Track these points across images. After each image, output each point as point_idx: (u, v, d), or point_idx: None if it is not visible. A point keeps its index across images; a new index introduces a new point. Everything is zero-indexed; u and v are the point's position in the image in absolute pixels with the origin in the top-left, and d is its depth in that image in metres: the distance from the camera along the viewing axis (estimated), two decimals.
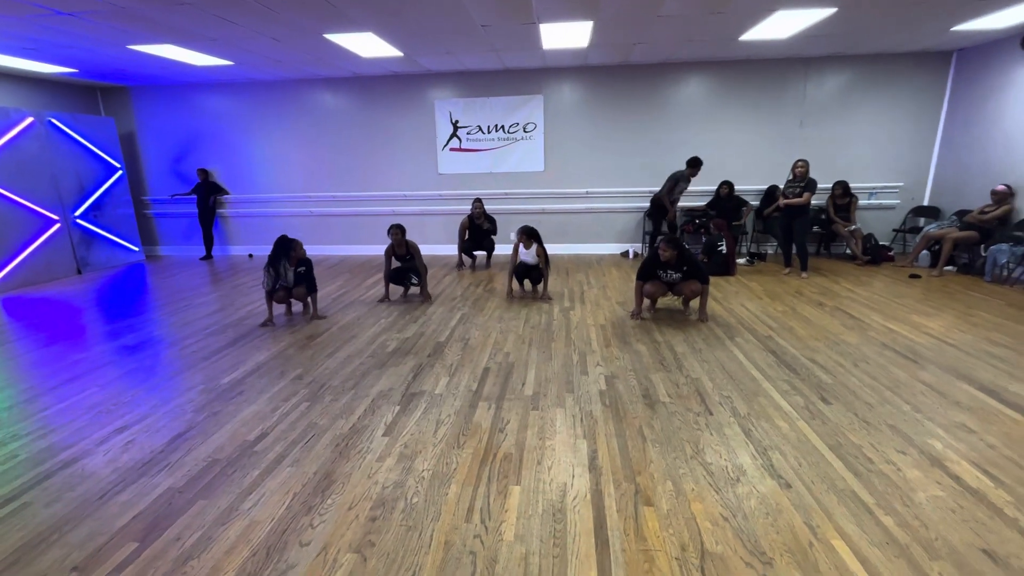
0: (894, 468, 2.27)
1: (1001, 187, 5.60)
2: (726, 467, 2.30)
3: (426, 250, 7.69)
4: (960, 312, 4.43)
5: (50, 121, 6.51)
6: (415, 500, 2.11)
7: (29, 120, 6.25)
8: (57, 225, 6.59)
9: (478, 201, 6.56)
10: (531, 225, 5.09)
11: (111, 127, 7.34)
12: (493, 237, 6.79)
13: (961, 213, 6.24)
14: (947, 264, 5.97)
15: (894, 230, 7.04)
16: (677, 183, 6.43)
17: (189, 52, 5.45)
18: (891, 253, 6.65)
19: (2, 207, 5.97)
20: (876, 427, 2.62)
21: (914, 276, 5.71)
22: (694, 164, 6.36)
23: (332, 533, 1.94)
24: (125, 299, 5.55)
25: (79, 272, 6.90)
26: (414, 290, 5.41)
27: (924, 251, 6.29)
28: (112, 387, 3.29)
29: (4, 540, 1.95)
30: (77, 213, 6.85)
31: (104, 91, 7.74)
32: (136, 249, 7.79)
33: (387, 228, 5.00)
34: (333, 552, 1.84)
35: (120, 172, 7.45)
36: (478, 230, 6.64)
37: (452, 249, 7.20)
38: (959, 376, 3.19)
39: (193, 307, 5.15)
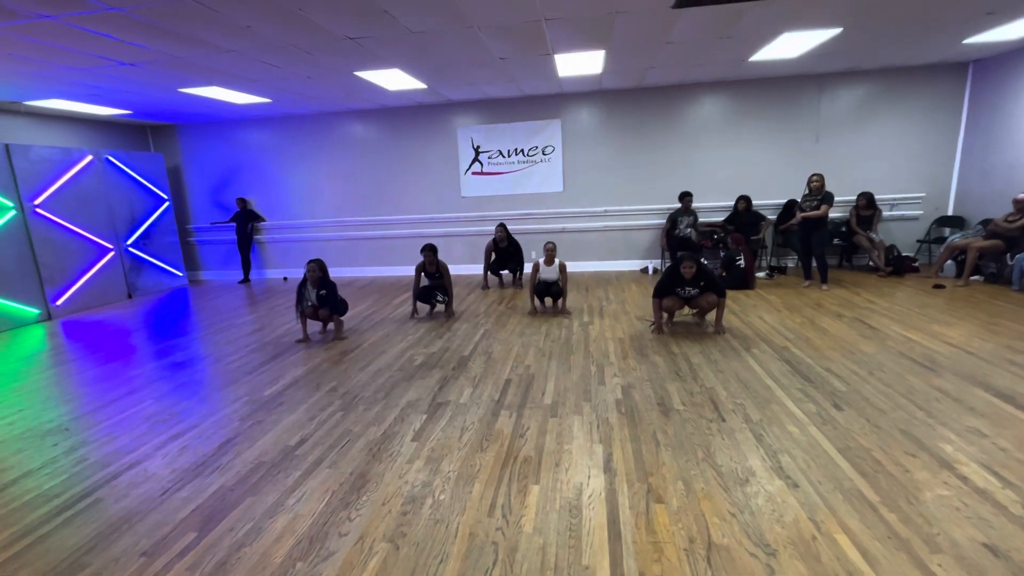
0: (902, 469, 2.35)
1: (1023, 195, 5.56)
2: (736, 469, 2.41)
3: (450, 270, 7.99)
4: (983, 321, 4.41)
5: (107, 158, 7.10)
6: (442, 497, 2.30)
7: (89, 158, 6.84)
8: (111, 253, 7.12)
9: (502, 226, 6.77)
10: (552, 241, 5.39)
11: (160, 162, 7.93)
12: (520, 261, 7.01)
13: (986, 222, 6.17)
14: (973, 274, 5.91)
15: (918, 240, 6.98)
16: (675, 222, 7.01)
17: (232, 92, 5.93)
18: (915, 264, 6.60)
19: (64, 238, 6.52)
20: (887, 432, 2.68)
21: (938, 286, 5.67)
22: (681, 198, 6.98)
23: (368, 525, 2.13)
24: (172, 321, 5.96)
25: (129, 296, 7.41)
26: (440, 307, 5.65)
27: (949, 261, 6.23)
28: (166, 399, 3.59)
29: (82, 530, 2.21)
30: (129, 242, 7.39)
31: (154, 129, 8.39)
32: (180, 274, 8.31)
33: (419, 248, 5.33)
34: (369, 541, 2.03)
35: (167, 203, 8.02)
36: (503, 253, 6.87)
37: (475, 268, 7.45)
38: (976, 383, 3.21)
39: (234, 327, 5.50)
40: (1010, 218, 5.65)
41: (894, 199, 6.95)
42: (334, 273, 8.39)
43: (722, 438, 2.70)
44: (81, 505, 2.39)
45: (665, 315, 4.70)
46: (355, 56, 4.67)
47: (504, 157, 7.63)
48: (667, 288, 4.45)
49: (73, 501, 2.43)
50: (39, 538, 2.18)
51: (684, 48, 5.03)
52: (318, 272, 4.72)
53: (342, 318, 5.00)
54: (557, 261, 5.27)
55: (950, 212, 6.91)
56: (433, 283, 5.47)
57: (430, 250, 5.28)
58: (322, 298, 4.79)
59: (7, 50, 4.00)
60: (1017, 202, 5.59)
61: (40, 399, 3.72)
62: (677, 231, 6.99)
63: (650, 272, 7.39)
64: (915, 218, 7.00)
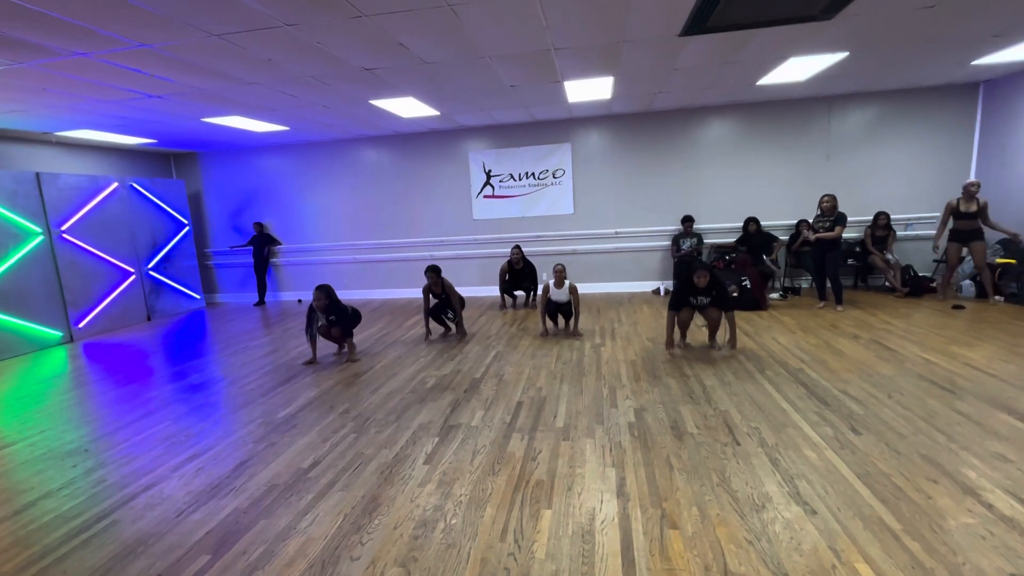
0: (924, 496, 2.29)
1: (972, 179, 5.78)
2: (752, 494, 2.37)
3: (463, 291, 8.02)
4: (1005, 343, 4.32)
5: (131, 185, 7.35)
6: (454, 521, 2.29)
7: (114, 185, 7.08)
8: (132, 277, 7.31)
9: (517, 248, 6.89)
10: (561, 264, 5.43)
11: (181, 188, 8.18)
12: (535, 282, 7.06)
13: (1005, 242, 6.10)
14: (995, 294, 5.81)
15: (935, 261, 6.88)
16: (679, 245, 7.18)
17: (252, 121, 6.14)
18: (933, 284, 6.51)
19: (89, 262, 6.71)
20: (907, 456, 2.62)
21: (957, 307, 5.57)
22: (683, 222, 7.19)
23: (379, 549, 2.12)
24: (190, 343, 6.06)
25: (149, 319, 7.56)
26: (439, 343, 5.67)
27: (968, 281, 6.14)
28: (182, 421, 3.64)
29: (99, 551, 2.24)
30: (150, 266, 7.58)
31: (176, 157, 8.68)
32: (198, 297, 8.47)
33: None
34: (380, 566, 2.03)
35: (187, 228, 8.23)
36: (518, 274, 6.94)
37: (487, 290, 7.50)
38: (999, 406, 3.13)
39: (249, 349, 5.58)
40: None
41: (908, 219, 6.90)
42: (348, 296, 8.51)
43: (737, 462, 2.66)
44: (98, 527, 2.42)
45: (678, 333, 4.67)
46: (371, 86, 4.83)
47: (515, 180, 7.75)
48: (682, 300, 4.45)
49: (91, 523, 2.46)
50: (57, 559, 2.20)
51: (692, 73, 5.12)
52: (324, 300, 4.72)
53: (353, 331, 5.03)
54: (567, 283, 5.29)
55: None
56: (441, 302, 5.53)
57: (433, 271, 5.33)
58: (331, 322, 4.86)
59: (43, 84, 4.21)
60: (972, 186, 5.67)
61: (61, 420, 3.79)
62: (681, 251, 7.09)
63: (662, 293, 7.36)
64: (930, 238, 6.91)
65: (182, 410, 3.86)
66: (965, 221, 5.71)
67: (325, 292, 4.75)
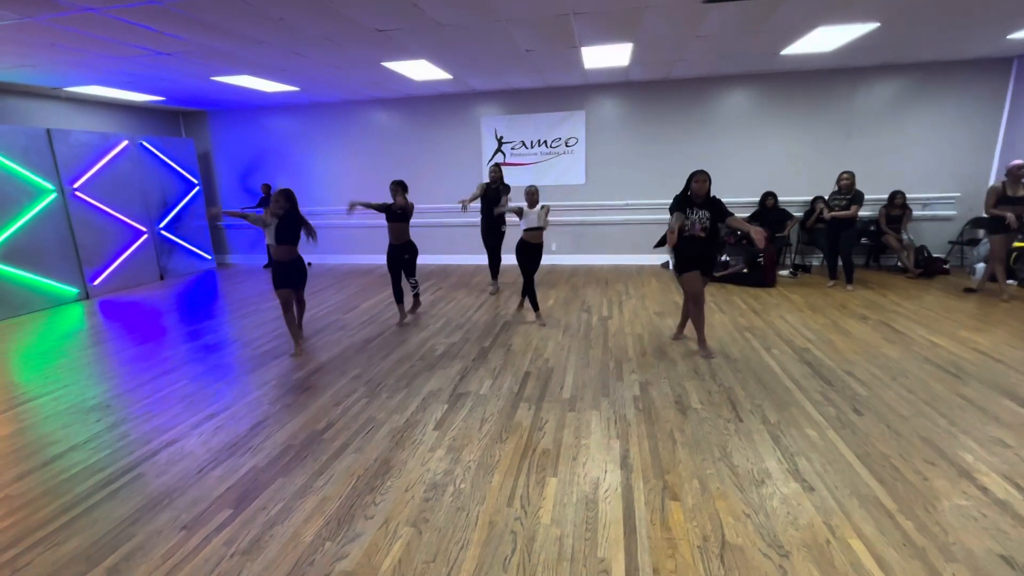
0: (920, 477, 2.35)
1: (1020, 160, 5.03)
2: (752, 470, 2.44)
3: (471, 259, 8.04)
4: (1014, 328, 4.31)
5: (141, 143, 7.31)
6: (463, 486, 2.38)
7: (124, 143, 7.04)
8: (145, 236, 7.37)
9: (496, 167, 6.04)
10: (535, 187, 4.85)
11: (191, 148, 8.13)
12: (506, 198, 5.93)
13: None
14: (1008, 278, 5.74)
15: (950, 242, 6.79)
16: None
17: (262, 81, 6.04)
18: (946, 266, 6.44)
19: (101, 220, 6.76)
20: (907, 439, 2.68)
21: (969, 290, 5.53)
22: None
23: (392, 510, 2.23)
24: (203, 303, 6.16)
25: (161, 278, 7.66)
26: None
27: (982, 264, 6.06)
28: (200, 380, 3.75)
29: (126, 502, 2.36)
30: (161, 225, 7.63)
31: (185, 115, 8.59)
32: (209, 258, 8.54)
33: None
34: (393, 525, 2.13)
35: (197, 188, 8.23)
36: (493, 195, 6.08)
37: None
38: (1002, 392, 3.16)
39: (261, 311, 5.67)
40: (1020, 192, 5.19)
41: (927, 198, 6.77)
42: (355, 260, 8.56)
43: (739, 438, 2.72)
44: (124, 479, 2.54)
45: (682, 286, 4.24)
46: (383, 48, 4.72)
47: (527, 148, 7.63)
48: (679, 205, 3.87)
49: (117, 475, 2.58)
50: (87, 509, 2.33)
51: (714, 42, 4.95)
52: (284, 204, 3.99)
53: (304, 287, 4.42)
54: (540, 205, 4.74)
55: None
56: (403, 260, 5.09)
57: (397, 186, 4.93)
58: (283, 228, 4.01)
59: (51, 39, 4.15)
60: (1019, 169, 4.99)
61: (82, 376, 3.92)
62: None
63: (671, 268, 7.34)
64: (948, 218, 6.80)
65: (198, 370, 3.97)
66: (1013, 208, 5.04)
67: (285, 195, 4.02)
